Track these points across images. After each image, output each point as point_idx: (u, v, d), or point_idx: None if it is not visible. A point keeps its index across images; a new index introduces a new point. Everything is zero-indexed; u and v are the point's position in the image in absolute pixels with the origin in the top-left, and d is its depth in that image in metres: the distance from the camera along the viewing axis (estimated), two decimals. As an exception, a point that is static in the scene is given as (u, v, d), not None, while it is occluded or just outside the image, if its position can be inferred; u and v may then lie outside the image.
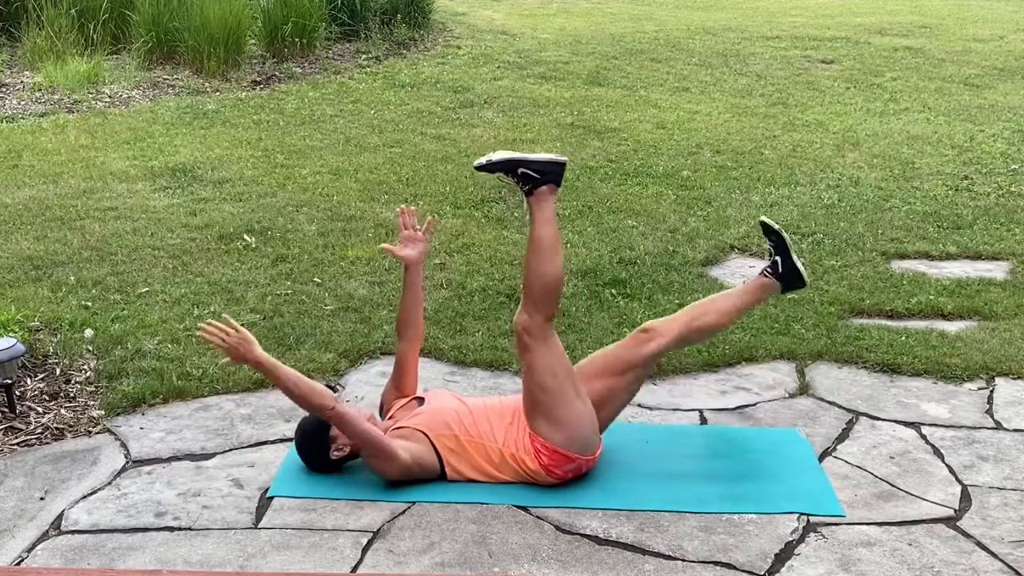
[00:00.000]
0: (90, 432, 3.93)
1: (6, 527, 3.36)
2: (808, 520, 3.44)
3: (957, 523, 3.43)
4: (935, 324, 4.88)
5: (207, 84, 9.15)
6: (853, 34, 11.87)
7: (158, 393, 4.16)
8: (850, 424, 4.06)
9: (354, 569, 3.17)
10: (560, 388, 3.49)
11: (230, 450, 3.83)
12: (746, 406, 4.20)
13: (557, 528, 3.37)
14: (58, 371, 4.31)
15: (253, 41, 9.97)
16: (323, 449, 3.61)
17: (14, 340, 4.06)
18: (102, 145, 7.42)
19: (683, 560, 3.23)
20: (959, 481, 3.68)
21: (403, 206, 3.88)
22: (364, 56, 10.22)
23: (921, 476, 3.71)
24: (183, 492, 3.56)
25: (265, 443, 3.87)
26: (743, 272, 5.47)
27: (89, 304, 4.87)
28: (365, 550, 3.25)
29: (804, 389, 4.32)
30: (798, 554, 3.26)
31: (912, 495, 3.59)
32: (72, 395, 4.16)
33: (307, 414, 3.68)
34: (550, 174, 3.53)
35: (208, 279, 5.19)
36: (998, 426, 4.06)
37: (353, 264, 5.42)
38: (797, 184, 6.85)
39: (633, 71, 10.07)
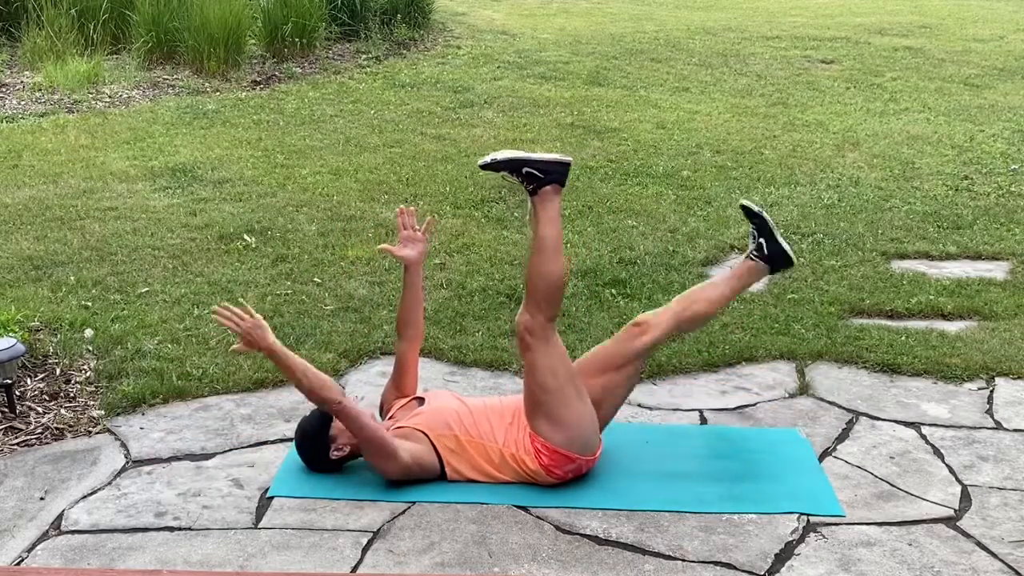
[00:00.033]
0: (90, 432, 3.93)
1: (6, 527, 3.36)
2: (808, 520, 3.44)
3: (957, 523, 3.43)
4: (935, 324, 4.88)
5: (207, 84, 9.15)
6: (853, 34, 11.87)
7: (158, 393, 4.16)
8: (850, 424, 4.06)
9: (354, 569, 3.17)
10: (561, 388, 3.49)
11: (230, 450, 3.83)
12: (746, 406, 4.20)
13: (557, 528, 3.37)
14: (58, 371, 4.31)
15: (253, 41, 9.97)
16: (323, 449, 3.61)
17: (14, 340, 4.07)
18: (102, 145, 7.42)
19: (683, 560, 3.23)
20: (959, 481, 3.68)
21: (402, 206, 3.87)
22: (364, 56, 10.22)
23: (921, 476, 3.71)
24: (183, 492, 3.57)
25: (265, 443, 3.87)
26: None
27: (89, 304, 4.88)
28: (365, 550, 3.25)
29: (804, 389, 4.32)
30: (798, 554, 3.27)
31: (912, 495, 3.59)
32: (72, 395, 4.16)
33: (307, 414, 3.68)
34: (555, 174, 3.53)
35: (208, 279, 5.19)
36: (998, 426, 4.06)
37: (353, 264, 5.42)
38: (797, 184, 6.85)
39: (633, 71, 10.07)
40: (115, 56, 9.77)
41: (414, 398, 3.83)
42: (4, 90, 8.87)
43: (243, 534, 3.33)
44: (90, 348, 4.49)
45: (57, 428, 3.94)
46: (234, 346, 3.54)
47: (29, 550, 3.25)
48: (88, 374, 4.31)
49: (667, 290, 5.14)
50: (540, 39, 11.43)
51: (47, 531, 3.35)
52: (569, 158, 3.58)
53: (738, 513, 3.47)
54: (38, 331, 4.59)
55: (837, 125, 8.34)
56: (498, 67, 10.08)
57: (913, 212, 6.36)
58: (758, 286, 5.25)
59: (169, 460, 3.77)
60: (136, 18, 9.66)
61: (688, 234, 5.93)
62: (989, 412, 4.16)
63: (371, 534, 3.32)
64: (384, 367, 4.29)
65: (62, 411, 4.05)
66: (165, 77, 9.30)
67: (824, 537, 3.35)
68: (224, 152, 7.31)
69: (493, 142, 7.59)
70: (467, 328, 4.76)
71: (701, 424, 4.09)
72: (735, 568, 3.20)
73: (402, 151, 7.44)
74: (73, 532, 3.34)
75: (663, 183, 6.82)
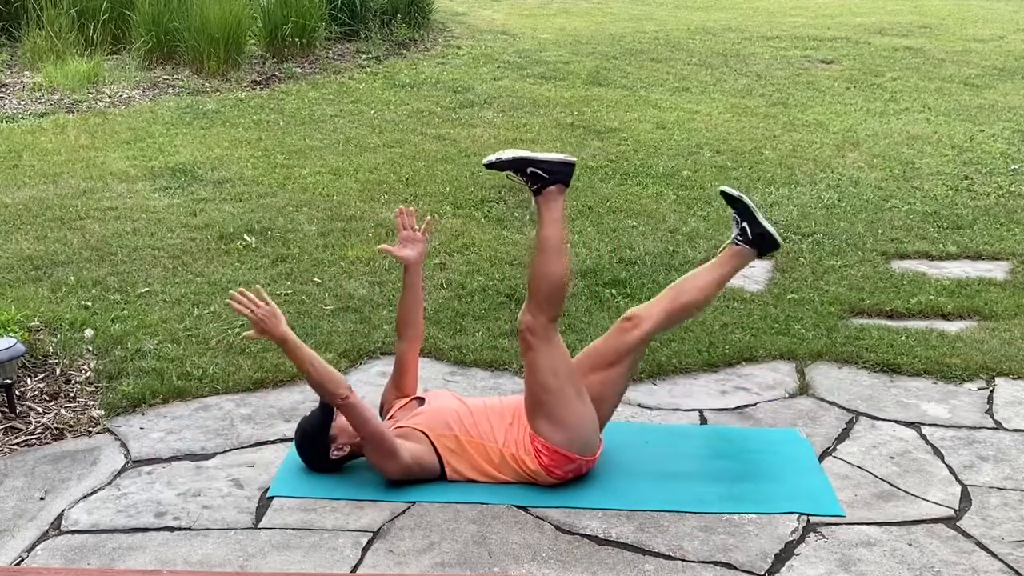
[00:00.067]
0: (90, 432, 3.93)
1: (6, 527, 3.36)
2: (808, 520, 3.44)
3: (957, 523, 3.44)
4: (935, 324, 4.88)
5: (207, 84, 9.15)
6: (853, 34, 11.87)
7: (158, 393, 4.16)
8: (850, 424, 4.06)
9: (354, 569, 3.17)
10: (562, 388, 3.49)
11: (230, 450, 3.83)
12: (746, 406, 4.20)
13: (557, 528, 3.37)
14: (58, 371, 4.31)
15: (253, 41, 9.97)
16: (323, 449, 3.61)
17: (14, 340, 4.06)
18: (102, 145, 7.42)
19: (683, 560, 3.23)
20: (959, 481, 3.68)
21: (402, 206, 3.87)
22: (364, 56, 10.22)
23: (921, 476, 3.71)
24: (183, 492, 3.57)
25: (265, 443, 3.87)
26: (744, 272, 5.46)
27: (89, 304, 4.88)
28: (365, 550, 3.25)
29: (804, 389, 4.32)
30: (798, 554, 3.27)
31: (912, 495, 3.59)
32: (72, 395, 4.16)
33: (307, 414, 3.68)
34: (559, 174, 3.53)
35: (208, 279, 5.19)
36: (998, 426, 4.06)
37: (353, 264, 5.42)
38: (797, 184, 6.85)
39: (633, 71, 10.07)
40: (115, 56, 9.77)
41: (414, 398, 3.83)
42: (4, 90, 8.87)
43: (243, 534, 3.33)
44: (90, 348, 4.49)
45: (57, 428, 3.94)
46: (246, 332, 3.53)
47: (29, 550, 3.25)
48: (88, 374, 4.31)
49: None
50: (540, 39, 11.43)
51: (47, 531, 3.35)
52: (574, 158, 3.58)
53: (738, 513, 3.47)
54: (38, 331, 4.59)
55: (837, 125, 8.34)
56: (498, 67, 10.08)
57: (913, 212, 6.36)
58: (758, 286, 5.27)
59: (169, 460, 3.77)
60: (136, 18, 9.66)
61: (688, 234, 5.92)
62: (989, 412, 4.16)
63: (371, 534, 3.32)
64: (384, 367, 4.29)
65: (62, 411, 4.05)
66: (165, 77, 9.30)
67: (824, 537, 3.35)
68: (224, 152, 7.31)
69: (493, 142, 7.59)
70: (467, 328, 4.76)
71: (701, 424, 4.09)
72: (735, 568, 3.20)
73: (402, 151, 7.44)
74: (73, 532, 3.34)
75: (663, 183, 6.82)
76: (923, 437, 3.97)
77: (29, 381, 4.23)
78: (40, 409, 4.05)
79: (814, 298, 5.10)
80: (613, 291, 5.16)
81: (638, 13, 13.42)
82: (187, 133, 7.75)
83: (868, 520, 3.44)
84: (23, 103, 8.52)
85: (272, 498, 3.53)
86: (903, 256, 5.70)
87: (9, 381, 3.98)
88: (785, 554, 3.26)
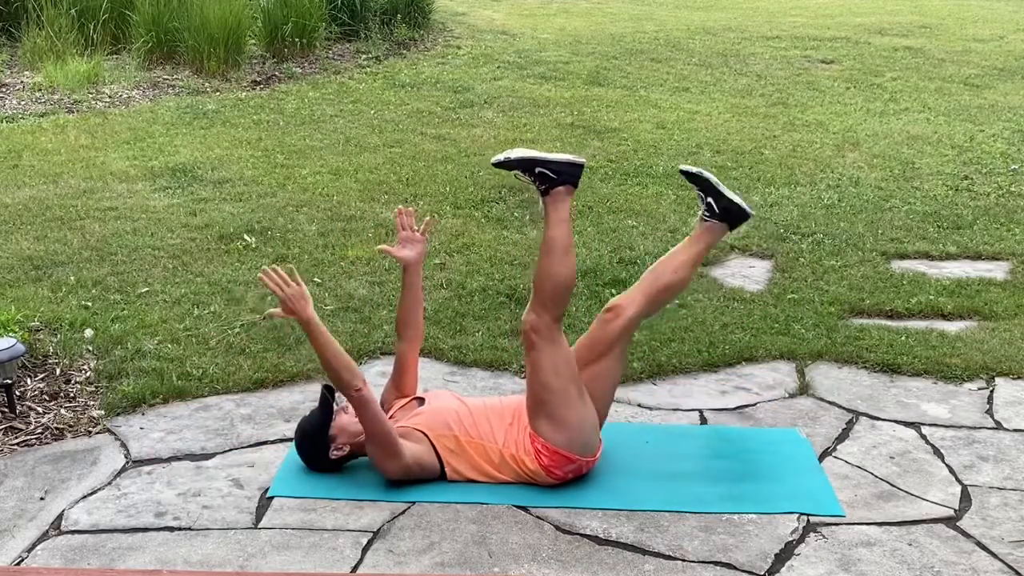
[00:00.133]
0: (90, 432, 3.93)
1: (6, 527, 3.36)
2: (808, 520, 3.44)
3: (957, 523, 3.44)
4: (935, 324, 4.88)
5: (207, 84, 9.15)
6: (853, 34, 11.87)
7: (158, 393, 4.16)
8: (850, 424, 4.06)
9: (354, 569, 3.17)
10: (564, 389, 3.49)
11: (230, 450, 3.83)
12: (746, 406, 4.20)
13: (557, 528, 3.37)
14: (58, 371, 4.31)
15: (253, 41, 9.97)
16: (322, 449, 3.61)
17: (14, 340, 4.06)
18: (102, 145, 7.42)
19: (683, 560, 3.23)
20: (959, 481, 3.68)
21: (400, 207, 3.87)
22: (364, 56, 10.22)
23: (921, 476, 3.71)
24: (183, 492, 3.57)
25: (265, 443, 3.87)
26: (743, 272, 5.48)
27: (89, 304, 4.88)
28: (365, 550, 3.25)
29: (804, 389, 4.32)
30: (798, 554, 3.27)
31: (912, 495, 3.59)
32: (72, 395, 4.16)
33: (307, 414, 3.68)
34: (567, 175, 3.53)
35: (208, 279, 5.19)
36: (998, 426, 4.06)
37: (353, 264, 5.42)
38: (797, 184, 6.85)
39: (633, 71, 10.07)
40: (115, 56, 9.76)
41: (414, 398, 3.83)
42: (4, 90, 8.87)
43: (243, 534, 3.33)
44: (90, 348, 4.49)
45: (57, 428, 3.94)
46: (271, 310, 3.52)
47: (29, 550, 3.25)
48: (88, 374, 4.31)
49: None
50: (540, 39, 11.43)
51: (47, 531, 3.35)
52: (582, 159, 3.58)
53: (738, 513, 3.47)
54: (38, 331, 4.59)
55: (837, 125, 8.34)
56: (498, 67, 10.08)
57: (913, 212, 6.36)
58: (758, 286, 5.27)
59: (169, 460, 3.77)
60: (136, 18, 9.66)
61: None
62: (989, 412, 4.16)
63: (371, 534, 3.33)
64: (384, 367, 4.29)
65: (62, 411, 4.05)
66: (165, 77, 9.30)
67: (824, 537, 3.35)
68: (224, 152, 7.31)
69: (493, 142, 7.59)
70: (467, 328, 4.76)
71: (701, 424, 4.09)
72: (735, 568, 3.20)
73: (402, 151, 7.44)
74: (73, 532, 3.34)
75: (663, 183, 6.82)
76: (923, 437, 3.97)
77: (29, 381, 4.23)
78: (40, 409, 4.05)
79: (814, 298, 5.10)
80: (613, 291, 5.14)
81: (638, 13, 13.42)
82: (187, 133, 7.75)
83: (868, 520, 3.44)
84: (23, 103, 8.52)
85: (272, 498, 3.53)
86: (903, 256, 5.70)
87: (9, 381, 3.98)
88: (785, 554, 3.26)
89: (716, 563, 3.21)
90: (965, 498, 3.58)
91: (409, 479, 3.55)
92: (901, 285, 5.27)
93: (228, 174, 6.83)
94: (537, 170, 3.53)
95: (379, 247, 3.92)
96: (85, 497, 3.53)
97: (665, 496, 3.56)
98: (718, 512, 3.47)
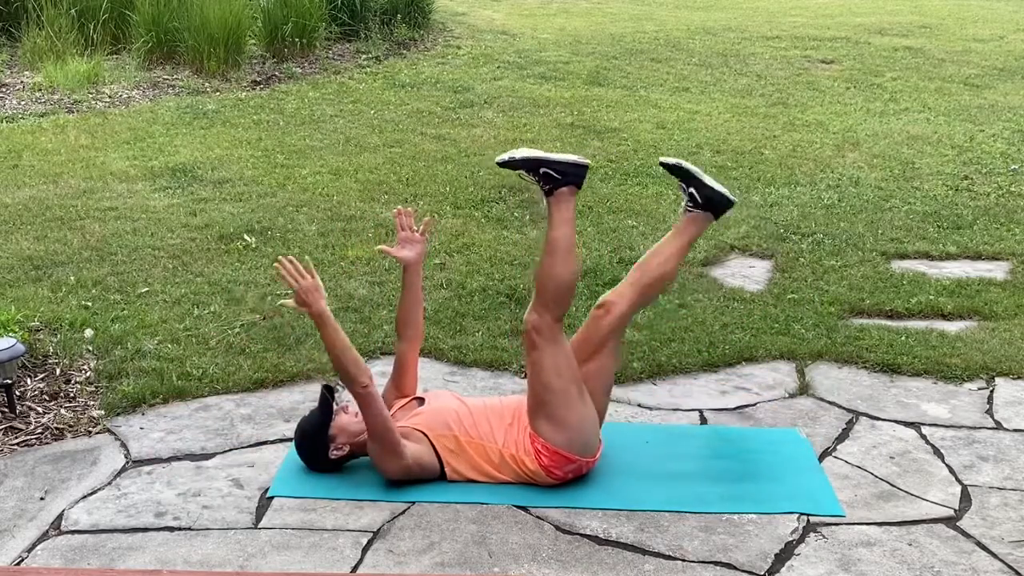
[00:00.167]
0: (90, 432, 3.93)
1: (6, 527, 3.36)
2: (808, 520, 3.44)
3: (957, 523, 3.44)
4: (935, 324, 4.88)
5: (207, 84, 9.15)
6: (853, 34, 11.87)
7: (158, 393, 4.16)
8: (850, 424, 4.06)
9: (354, 569, 3.17)
10: (565, 389, 3.49)
11: (230, 450, 3.83)
12: (746, 406, 4.20)
13: (557, 528, 3.37)
14: (58, 371, 4.31)
15: (253, 41, 9.97)
16: (322, 448, 3.61)
17: (14, 340, 4.06)
18: (102, 145, 7.42)
19: (683, 560, 3.23)
20: (959, 481, 3.68)
21: (399, 207, 3.87)
22: (364, 56, 10.22)
23: (921, 476, 3.71)
24: (183, 492, 3.57)
25: (265, 443, 3.87)
26: (743, 272, 5.48)
27: (89, 304, 4.88)
28: (365, 550, 3.25)
29: (804, 389, 4.32)
30: (798, 554, 3.27)
31: (912, 495, 3.59)
32: (72, 395, 4.16)
33: (306, 413, 3.68)
34: (572, 176, 3.53)
35: (208, 279, 5.20)
36: (998, 426, 4.06)
37: (353, 264, 5.42)
38: (797, 184, 6.85)
39: (633, 71, 10.07)
40: (115, 56, 9.76)
41: (414, 398, 3.83)
42: (4, 90, 8.87)
43: (243, 534, 3.33)
44: (90, 348, 4.49)
45: (57, 428, 3.94)
46: (283, 301, 3.52)
47: (29, 550, 3.25)
48: (88, 374, 4.31)
49: (666, 290, 5.14)
50: (540, 39, 11.43)
51: (47, 531, 3.35)
52: (587, 160, 3.58)
53: (738, 513, 3.47)
54: (38, 331, 4.59)
55: (837, 125, 8.34)
56: (498, 67, 10.08)
57: (913, 212, 6.36)
58: (758, 286, 5.27)
59: (169, 460, 3.77)
60: (136, 18, 9.66)
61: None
62: (989, 412, 4.16)
63: (371, 534, 3.33)
64: (384, 367, 4.28)
65: (62, 411, 4.05)
66: (165, 77, 9.30)
67: (824, 537, 3.35)
68: (224, 152, 7.31)
69: (493, 142, 7.59)
70: (467, 328, 4.76)
71: (701, 424, 4.09)
72: (735, 568, 3.20)
73: (402, 151, 7.44)
74: (73, 532, 3.34)
75: (663, 183, 6.81)
76: (923, 437, 3.97)
77: (29, 381, 4.23)
78: (40, 409, 4.05)
79: (814, 298, 5.10)
80: (613, 291, 5.15)
81: (638, 13, 13.42)
82: (187, 133, 7.75)
83: (868, 520, 3.44)
84: (23, 103, 8.52)
85: (272, 498, 3.53)
86: (903, 256, 5.71)
87: (9, 381, 3.98)
88: (785, 554, 3.26)
89: (716, 563, 3.21)
90: (965, 498, 3.58)
91: (409, 479, 3.55)
92: (901, 285, 5.27)
93: (228, 174, 6.83)
94: (542, 170, 3.53)
95: (378, 247, 3.92)
96: (85, 497, 3.53)
97: (665, 496, 3.56)
98: (718, 512, 3.47)
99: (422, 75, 9.68)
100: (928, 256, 5.72)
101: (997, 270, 5.55)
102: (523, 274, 5.25)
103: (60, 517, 3.42)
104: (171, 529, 3.36)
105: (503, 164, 3.57)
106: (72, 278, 5.15)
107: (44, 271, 5.26)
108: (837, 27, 12.34)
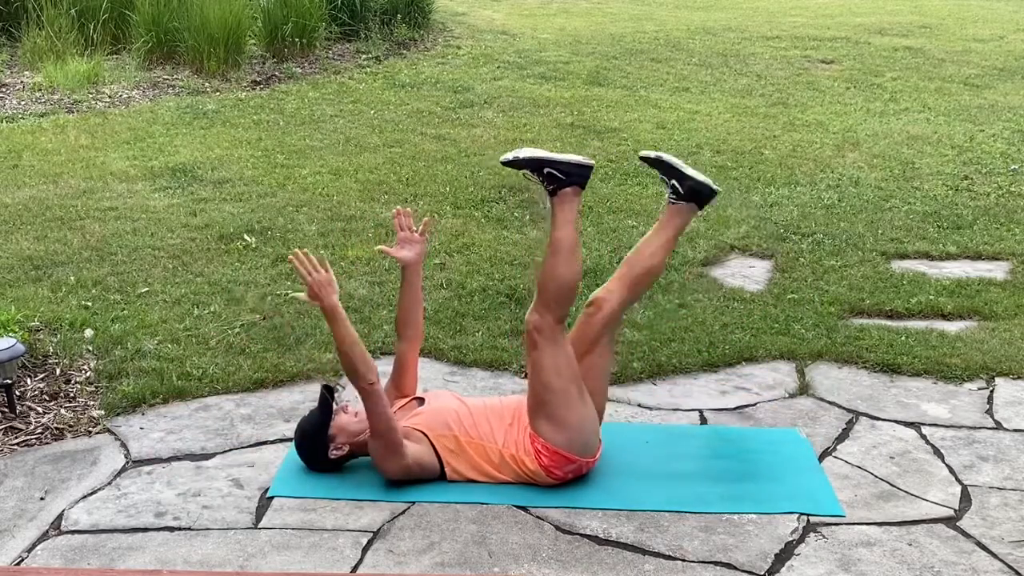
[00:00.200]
0: (90, 432, 3.93)
1: (6, 527, 3.36)
2: (808, 520, 3.44)
3: (957, 523, 3.44)
4: (935, 324, 4.88)
5: (207, 84, 9.15)
6: (853, 34, 11.87)
7: (158, 393, 4.16)
8: (850, 424, 4.06)
9: (354, 569, 3.17)
10: (565, 389, 3.49)
11: (230, 450, 3.83)
12: (746, 406, 4.20)
13: (557, 528, 3.37)
14: (58, 371, 4.31)
15: (253, 41, 9.97)
16: (321, 448, 3.61)
17: (14, 340, 4.06)
18: (102, 145, 7.42)
19: (683, 560, 3.23)
20: (959, 481, 3.68)
21: (399, 207, 3.87)
22: (364, 56, 10.22)
23: (921, 476, 3.71)
24: (183, 492, 3.57)
25: (265, 443, 3.87)
26: (743, 272, 5.48)
27: (89, 304, 4.88)
28: (365, 550, 3.25)
29: (804, 389, 4.32)
30: (798, 554, 3.27)
31: (912, 495, 3.59)
32: (72, 395, 4.16)
33: (306, 413, 3.68)
34: (576, 176, 3.53)
35: (208, 279, 5.19)
36: (998, 426, 4.06)
37: (353, 264, 5.42)
38: (797, 184, 6.85)
39: (633, 71, 10.07)
40: (115, 56, 9.76)
41: (414, 398, 3.83)
42: (4, 90, 8.87)
43: (243, 534, 3.33)
44: (90, 348, 4.49)
45: (57, 428, 3.94)
46: (295, 293, 3.52)
47: (29, 550, 3.25)
48: (88, 374, 4.31)
49: (666, 290, 5.14)
50: (540, 39, 11.43)
51: (47, 531, 3.35)
52: (591, 161, 3.58)
53: (738, 513, 3.47)
54: (38, 331, 4.59)
55: (837, 125, 8.34)
56: (498, 67, 10.08)
57: (913, 212, 6.36)
58: (758, 286, 5.27)
59: (169, 460, 3.77)
60: (136, 18, 9.66)
61: (688, 234, 5.90)
62: (989, 412, 4.16)
63: (371, 534, 3.33)
64: (384, 367, 4.27)
65: (62, 411, 4.05)
66: (165, 77, 9.30)
67: (824, 537, 3.35)
68: (224, 152, 7.31)
69: (493, 142, 7.59)
70: (467, 328, 4.76)
71: (701, 424, 4.09)
72: (735, 568, 3.20)
73: (402, 151, 7.44)
74: (73, 532, 3.35)
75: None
76: (923, 437, 3.97)
77: (29, 381, 4.23)
78: (40, 409, 4.05)
79: (814, 298, 5.10)
80: (613, 291, 5.15)
81: (638, 13, 13.42)
82: (187, 133, 7.75)
83: (868, 520, 3.44)
84: (23, 103, 8.52)
85: (272, 498, 3.53)
86: (903, 256, 5.71)
87: (9, 381, 3.98)
88: (785, 554, 3.26)
89: (716, 563, 3.21)
90: (965, 498, 3.58)
91: (409, 479, 3.55)
92: (901, 285, 5.27)
93: (228, 174, 6.83)
94: (546, 170, 3.53)
95: (378, 247, 3.92)
96: (85, 497, 3.53)
97: (665, 496, 3.56)
98: (718, 512, 3.47)
99: (422, 75, 9.68)
100: (928, 256, 5.72)
101: (997, 270, 5.55)
102: (523, 274, 5.25)
103: (60, 517, 3.42)
104: (171, 529, 3.36)
105: (507, 164, 3.58)
106: (72, 278, 5.15)
107: (44, 271, 5.26)
108: (837, 27, 12.34)
